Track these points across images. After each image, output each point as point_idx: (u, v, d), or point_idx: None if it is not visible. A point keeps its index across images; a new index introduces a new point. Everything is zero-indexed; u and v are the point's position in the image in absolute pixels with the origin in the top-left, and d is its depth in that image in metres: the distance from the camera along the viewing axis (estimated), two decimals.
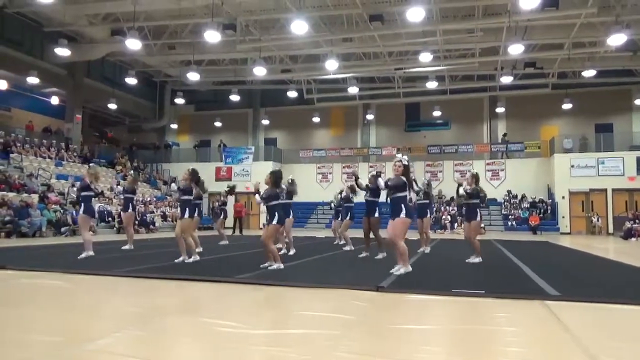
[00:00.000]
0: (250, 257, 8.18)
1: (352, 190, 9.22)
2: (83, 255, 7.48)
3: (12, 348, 2.62)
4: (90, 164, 8.83)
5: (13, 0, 17.61)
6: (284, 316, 3.66)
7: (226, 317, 3.43)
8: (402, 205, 5.61)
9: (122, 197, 9.49)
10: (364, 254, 7.98)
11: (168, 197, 23.95)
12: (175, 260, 6.96)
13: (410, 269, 5.68)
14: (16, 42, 20.39)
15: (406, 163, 5.82)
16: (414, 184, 6.46)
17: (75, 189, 18.32)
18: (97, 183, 8.40)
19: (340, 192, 10.07)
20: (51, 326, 3.22)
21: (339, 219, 10.24)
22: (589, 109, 24.53)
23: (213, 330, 3.07)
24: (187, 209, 7.21)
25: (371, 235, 7.97)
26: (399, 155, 5.93)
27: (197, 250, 7.68)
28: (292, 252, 8.44)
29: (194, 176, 7.41)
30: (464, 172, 24.44)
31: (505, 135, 25.33)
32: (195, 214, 7.46)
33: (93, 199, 8.25)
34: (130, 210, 9.62)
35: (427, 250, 9.20)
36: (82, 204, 7.83)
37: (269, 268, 6.09)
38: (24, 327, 3.10)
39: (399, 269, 5.59)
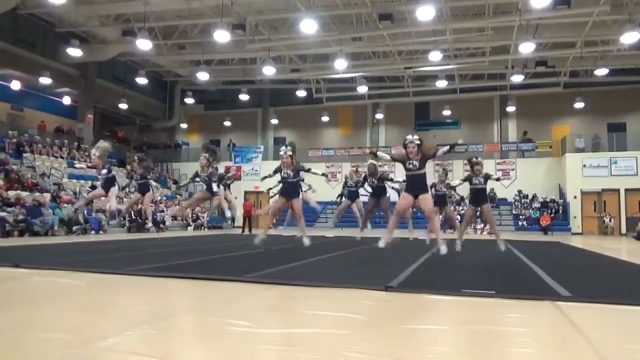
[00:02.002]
0: (259, 255, 8.20)
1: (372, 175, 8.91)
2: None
3: (24, 346, 2.65)
4: (96, 146, 9.02)
5: (26, 1, 17.83)
6: (293, 315, 3.67)
7: (236, 316, 3.45)
8: (426, 181, 5.99)
9: (137, 183, 9.74)
10: (362, 232, 8.49)
11: (178, 197, 24.10)
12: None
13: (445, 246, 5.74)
14: (29, 43, 20.66)
15: (419, 142, 6.01)
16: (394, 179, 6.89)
17: (86, 188, 18.54)
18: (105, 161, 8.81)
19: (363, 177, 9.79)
20: (63, 324, 3.26)
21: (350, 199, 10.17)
22: (601, 108, 24.26)
23: (223, 329, 3.09)
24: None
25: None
26: (410, 137, 6.07)
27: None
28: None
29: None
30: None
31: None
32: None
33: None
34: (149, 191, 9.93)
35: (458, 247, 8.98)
36: (109, 185, 8.50)
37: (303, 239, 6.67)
38: (36, 326, 3.14)
39: (441, 246, 5.76)
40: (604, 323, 3.48)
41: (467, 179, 7.56)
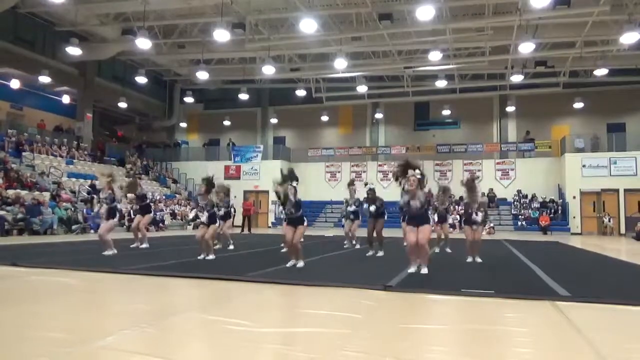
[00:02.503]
0: (259, 255, 8.20)
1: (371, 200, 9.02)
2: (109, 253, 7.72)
3: (22, 345, 2.65)
4: (105, 172, 8.96)
5: (25, 0, 17.80)
6: (293, 315, 3.66)
7: (236, 315, 3.44)
8: (428, 215, 6.33)
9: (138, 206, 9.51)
10: (370, 253, 8.45)
11: (177, 196, 24.10)
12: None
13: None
14: (28, 42, 20.62)
15: (420, 177, 6.10)
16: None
17: (86, 187, 18.53)
18: (115, 187, 8.44)
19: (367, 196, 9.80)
20: (62, 323, 3.25)
21: (349, 220, 10.21)
22: (600, 108, 24.25)
23: (222, 328, 3.08)
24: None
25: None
26: (411, 171, 6.12)
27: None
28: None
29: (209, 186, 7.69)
30: (473, 171, 24.32)
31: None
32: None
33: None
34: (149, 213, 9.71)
35: (437, 250, 9.26)
36: (108, 213, 8.00)
37: (297, 266, 6.39)
38: (35, 324, 3.13)
39: (424, 267, 6.02)
40: (603, 323, 3.48)
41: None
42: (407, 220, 6.30)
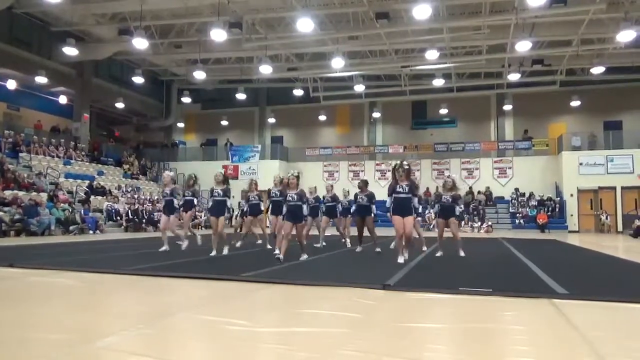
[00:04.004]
0: (256, 255, 8.21)
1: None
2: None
3: (21, 346, 2.65)
4: (165, 172, 9.47)
5: (21, 0, 17.73)
6: (291, 314, 3.67)
7: (234, 315, 3.45)
8: (412, 206, 6.65)
9: (184, 199, 8.98)
10: (359, 249, 8.78)
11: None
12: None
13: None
14: (25, 42, 20.55)
15: (407, 167, 6.72)
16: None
17: (83, 188, 18.49)
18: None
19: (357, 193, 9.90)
20: (60, 324, 3.25)
21: (341, 216, 10.29)
22: (597, 106, 24.33)
23: (221, 328, 3.09)
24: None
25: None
26: (399, 162, 6.82)
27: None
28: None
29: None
30: (471, 170, 24.36)
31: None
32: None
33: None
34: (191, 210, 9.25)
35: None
36: (169, 207, 8.53)
37: (300, 259, 7.01)
38: (33, 325, 3.13)
39: (405, 256, 6.77)
40: (601, 320, 3.50)
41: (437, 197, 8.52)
42: (393, 210, 6.66)
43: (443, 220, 7.81)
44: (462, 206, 8.27)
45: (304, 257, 7.14)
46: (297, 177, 7.07)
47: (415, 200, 6.73)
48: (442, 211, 7.81)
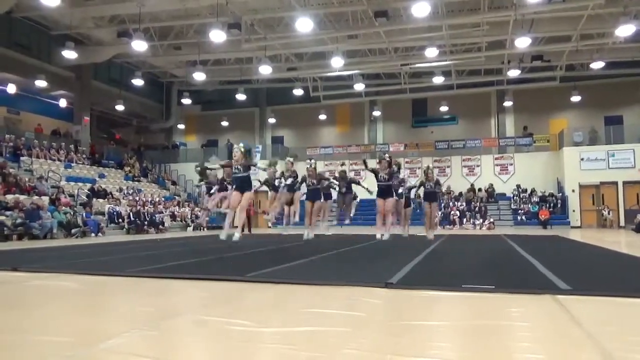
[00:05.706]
0: (258, 255, 8.20)
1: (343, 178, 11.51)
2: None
3: (23, 349, 2.64)
4: (235, 147, 8.29)
5: (20, 4, 17.75)
6: (293, 314, 3.66)
7: (236, 315, 3.44)
8: (392, 189, 9.13)
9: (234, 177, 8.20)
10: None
11: (177, 197, 24.09)
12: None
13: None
14: (24, 46, 20.60)
15: (389, 159, 9.09)
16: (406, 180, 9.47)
17: (85, 191, 18.50)
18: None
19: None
20: (63, 327, 3.25)
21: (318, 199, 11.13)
22: (598, 101, 24.30)
23: (224, 329, 3.08)
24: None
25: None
26: (381, 154, 9.25)
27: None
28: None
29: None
30: (472, 167, 24.33)
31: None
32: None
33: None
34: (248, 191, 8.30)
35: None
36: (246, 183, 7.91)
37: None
38: (35, 328, 3.13)
39: (387, 234, 8.98)
40: (604, 316, 3.48)
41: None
42: (378, 194, 8.94)
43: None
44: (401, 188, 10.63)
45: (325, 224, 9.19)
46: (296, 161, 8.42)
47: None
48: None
